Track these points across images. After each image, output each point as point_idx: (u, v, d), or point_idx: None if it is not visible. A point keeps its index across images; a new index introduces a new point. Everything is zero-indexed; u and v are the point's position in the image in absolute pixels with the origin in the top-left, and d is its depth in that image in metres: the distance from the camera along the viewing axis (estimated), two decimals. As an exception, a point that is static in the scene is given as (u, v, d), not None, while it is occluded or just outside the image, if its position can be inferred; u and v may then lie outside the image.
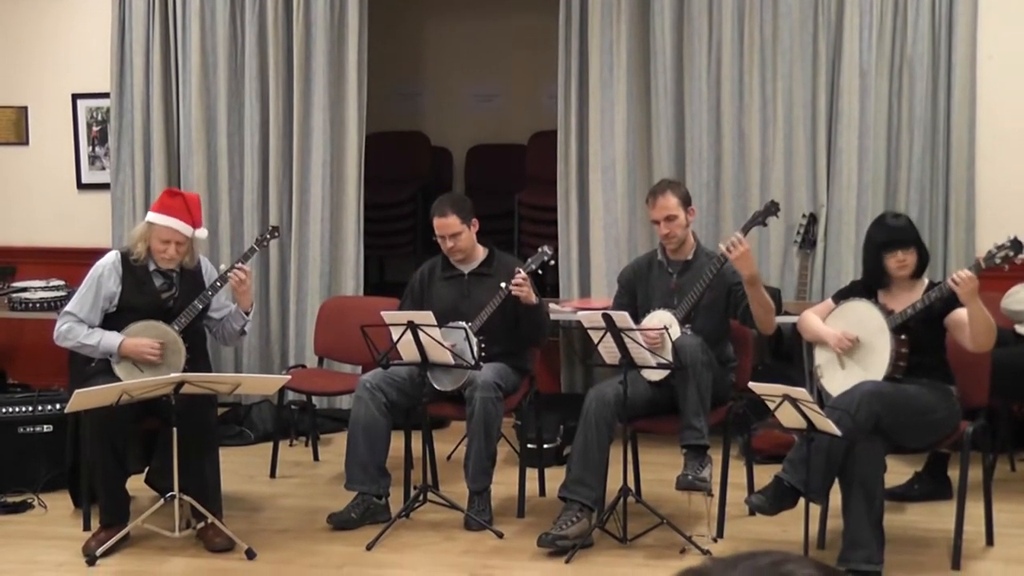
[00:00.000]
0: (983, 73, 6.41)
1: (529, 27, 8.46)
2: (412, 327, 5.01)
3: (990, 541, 4.90)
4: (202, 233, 5.24)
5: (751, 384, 4.57)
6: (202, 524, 4.96)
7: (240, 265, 5.20)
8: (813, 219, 6.55)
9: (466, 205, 5.48)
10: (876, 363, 4.69)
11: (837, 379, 4.78)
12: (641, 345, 4.81)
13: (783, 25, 6.52)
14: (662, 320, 5.02)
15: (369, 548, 4.94)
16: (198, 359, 5.22)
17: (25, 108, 7.69)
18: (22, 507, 5.52)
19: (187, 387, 4.77)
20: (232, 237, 7.22)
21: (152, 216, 5.14)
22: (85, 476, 5.23)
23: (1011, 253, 4.46)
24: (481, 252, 5.53)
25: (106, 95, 7.38)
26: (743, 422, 5.34)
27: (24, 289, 7.04)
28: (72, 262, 6.96)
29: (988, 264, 4.50)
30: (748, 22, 6.56)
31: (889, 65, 6.45)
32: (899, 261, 4.75)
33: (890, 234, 4.80)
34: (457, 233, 5.39)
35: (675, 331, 4.94)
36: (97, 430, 4.92)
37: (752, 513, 4.88)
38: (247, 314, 5.29)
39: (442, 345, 5.03)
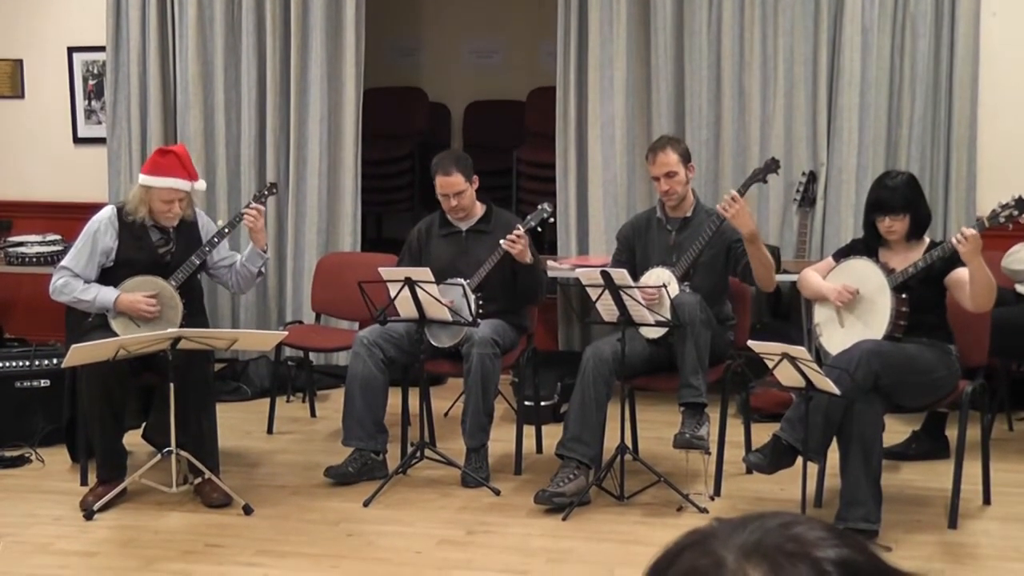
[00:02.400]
0: (986, 30, 6.35)
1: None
2: (410, 283, 4.99)
3: (987, 500, 4.90)
4: (200, 185, 5.22)
5: (750, 342, 4.55)
6: (199, 480, 4.95)
7: (254, 204, 5.19)
8: (813, 177, 6.51)
9: (468, 162, 5.45)
10: (876, 322, 4.67)
11: (836, 337, 4.76)
12: (639, 303, 4.79)
13: (785, -19, 6.47)
14: (660, 277, 5.00)
15: (366, 504, 4.94)
16: (195, 315, 5.20)
17: (20, 61, 7.63)
18: (20, 461, 5.52)
19: (184, 343, 4.75)
20: (229, 193, 7.19)
21: (148, 179, 5.06)
22: (82, 431, 5.22)
23: (1015, 212, 4.43)
24: (479, 209, 5.50)
25: (102, 48, 7.31)
26: (741, 380, 5.33)
27: (20, 244, 7.02)
28: (68, 216, 6.93)
29: (992, 223, 4.46)
30: (750, -22, 6.51)
31: (891, 22, 6.39)
32: (886, 227, 4.72)
33: (880, 198, 4.76)
34: (462, 191, 5.37)
35: (673, 288, 4.91)
36: (94, 385, 4.91)
37: (750, 471, 4.89)
38: (264, 252, 5.27)
39: (440, 302, 5.02)
